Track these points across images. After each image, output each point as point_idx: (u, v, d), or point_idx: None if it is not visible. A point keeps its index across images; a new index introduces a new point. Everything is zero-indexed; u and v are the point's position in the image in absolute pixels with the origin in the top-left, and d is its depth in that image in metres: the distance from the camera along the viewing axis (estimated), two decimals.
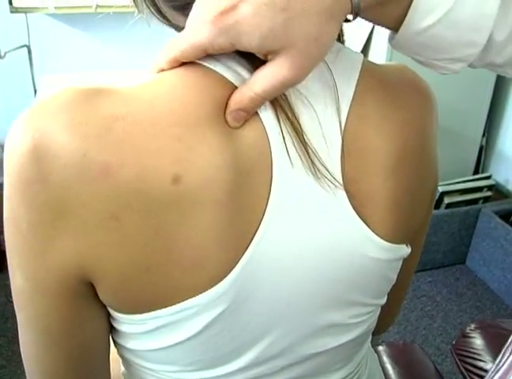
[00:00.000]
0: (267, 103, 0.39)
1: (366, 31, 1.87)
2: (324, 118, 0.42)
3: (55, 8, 1.85)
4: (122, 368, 0.52)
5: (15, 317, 0.42)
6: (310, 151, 0.40)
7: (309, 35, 0.36)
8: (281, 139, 0.40)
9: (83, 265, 0.38)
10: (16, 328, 0.43)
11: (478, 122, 2.09)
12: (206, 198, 0.37)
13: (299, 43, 0.36)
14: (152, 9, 0.45)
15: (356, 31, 1.83)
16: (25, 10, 1.85)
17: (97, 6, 1.85)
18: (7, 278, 0.40)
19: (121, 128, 0.35)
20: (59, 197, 0.35)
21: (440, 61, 0.45)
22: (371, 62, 0.47)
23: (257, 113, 0.39)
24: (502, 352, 0.50)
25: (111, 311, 0.42)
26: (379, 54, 1.85)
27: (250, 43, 0.36)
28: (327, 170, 0.41)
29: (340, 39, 0.49)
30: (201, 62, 0.40)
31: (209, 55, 0.39)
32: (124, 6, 1.82)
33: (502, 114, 2.14)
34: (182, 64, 0.40)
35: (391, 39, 0.45)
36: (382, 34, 1.82)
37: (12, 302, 0.42)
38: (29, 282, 0.39)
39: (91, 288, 0.40)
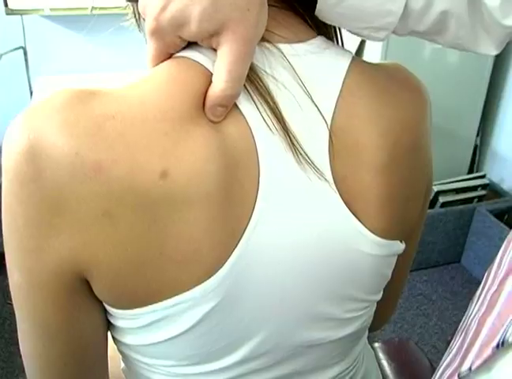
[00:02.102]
0: (248, 97, 0.40)
1: None
2: (310, 112, 0.42)
3: (51, 9, 1.85)
4: (122, 364, 0.52)
5: (12, 318, 0.43)
6: (296, 144, 0.41)
7: (240, 6, 0.37)
8: (265, 133, 0.40)
9: (78, 262, 0.38)
10: (14, 329, 0.44)
11: (472, 122, 2.10)
12: (195, 192, 0.37)
13: (233, 16, 0.37)
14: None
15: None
16: (21, 12, 1.84)
17: (93, 8, 1.86)
18: (4, 279, 0.41)
19: (112, 126, 0.36)
20: (54, 194, 0.36)
21: (363, 29, 0.46)
22: (362, 60, 0.48)
23: (237, 106, 0.40)
24: (454, 335, 0.50)
25: (107, 306, 0.43)
26: (374, 53, 1.86)
27: (191, 31, 0.38)
28: (314, 163, 0.42)
29: (332, 38, 0.50)
30: (185, 55, 0.41)
31: (193, 47, 0.41)
32: (120, 8, 1.82)
33: (496, 114, 2.15)
34: (169, 58, 0.42)
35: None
36: None
37: (9, 304, 0.42)
38: (26, 277, 0.40)
39: (86, 284, 0.40)
